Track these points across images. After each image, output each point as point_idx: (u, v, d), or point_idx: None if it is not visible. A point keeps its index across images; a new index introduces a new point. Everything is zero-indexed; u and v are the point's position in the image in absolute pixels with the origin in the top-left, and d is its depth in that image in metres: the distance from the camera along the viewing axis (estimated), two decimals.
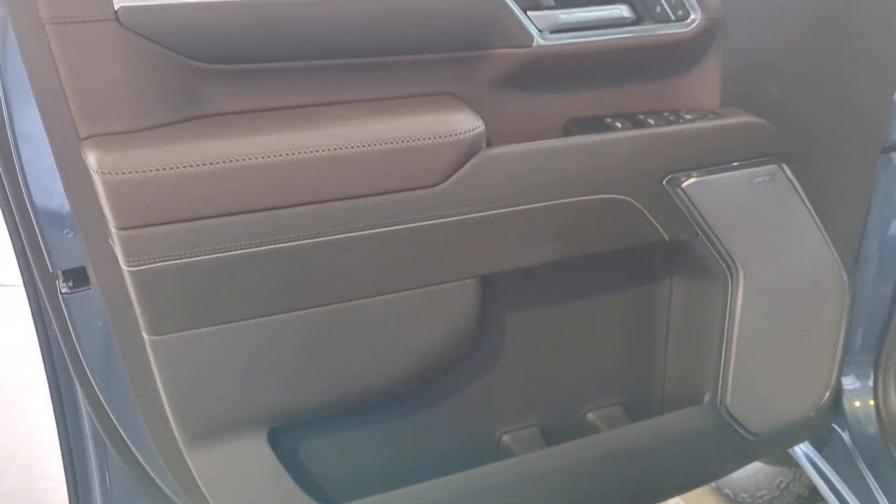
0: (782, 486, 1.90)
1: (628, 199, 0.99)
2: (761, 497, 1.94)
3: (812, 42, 1.15)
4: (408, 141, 0.87)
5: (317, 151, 0.83)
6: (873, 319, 1.38)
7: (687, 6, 0.99)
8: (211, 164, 0.80)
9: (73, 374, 0.95)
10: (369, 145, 0.85)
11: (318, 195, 0.85)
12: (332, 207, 0.86)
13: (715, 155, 1.02)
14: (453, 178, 0.90)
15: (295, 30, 0.85)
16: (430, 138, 0.88)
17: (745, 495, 1.98)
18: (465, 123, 0.90)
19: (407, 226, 0.90)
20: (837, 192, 1.24)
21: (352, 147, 0.85)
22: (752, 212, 1.06)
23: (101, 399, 0.96)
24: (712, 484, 2.12)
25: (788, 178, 1.07)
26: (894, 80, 1.19)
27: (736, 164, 1.03)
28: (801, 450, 1.53)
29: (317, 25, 0.85)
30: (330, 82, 0.91)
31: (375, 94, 0.94)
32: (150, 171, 0.78)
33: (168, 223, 0.80)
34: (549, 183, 0.95)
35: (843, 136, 1.21)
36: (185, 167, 0.79)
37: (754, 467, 1.96)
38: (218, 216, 0.82)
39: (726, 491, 2.05)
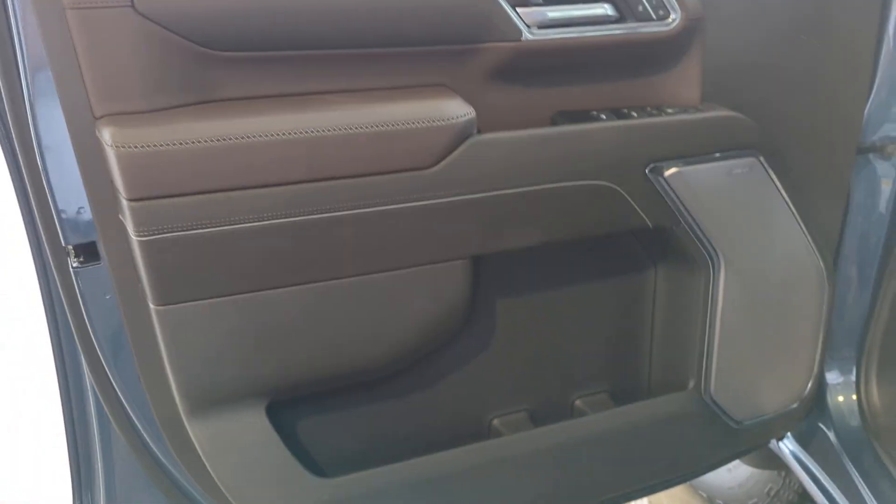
0: (772, 492, 1.92)
1: (612, 185, 1.04)
2: None
3: (789, 46, 1.21)
4: (403, 124, 0.92)
5: (317, 132, 0.89)
6: (855, 315, 1.43)
7: (667, 6, 1.05)
8: (218, 140, 0.85)
9: (79, 348, 0.99)
10: (367, 127, 0.91)
11: (318, 173, 0.90)
12: (331, 186, 0.91)
13: (695, 146, 1.07)
14: (445, 161, 0.95)
15: (299, 20, 0.90)
16: (423, 122, 0.93)
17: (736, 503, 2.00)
18: (457, 109, 0.96)
19: (401, 205, 0.95)
20: (815, 189, 1.29)
21: (350, 129, 0.90)
22: (732, 202, 1.12)
23: (106, 372, 1.00)
24: (703, 494, 2.14)
25: (767, 171, 1.12)
26: (866, 84, 1.26)
27: (716, 155, 1.09)
28: (788, 448, 1.56)
29: (319, 16, 0.91)
30: (331, 72, 0.97)
31: (373, 84, 0.99)
32: (162, 145, 0.83)
33: (177, 196, 0.85)
34: (536, 169, 1.01)
35: (820, 135, 1.27)
36: (194, 143, 0.84)
37: (744, 475, 1.98)
38: (223, 190, 0.87)
39: (718, 502, 2.07)
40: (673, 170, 1.06)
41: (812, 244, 1.19)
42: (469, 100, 1.01)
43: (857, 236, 1.40)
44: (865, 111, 1.29)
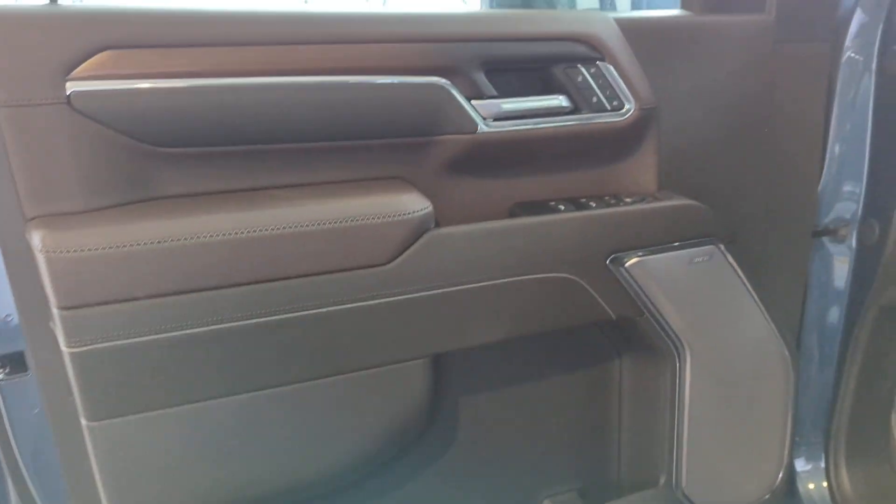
0: None
1: (574, 277, 1.02)
2: None
3: (741, 132, 1.22)
4: (357, 220, 0.89)
5: (265, 230, 0.84)
6: (820, 400, 1.41)
7: (621, 97, 1.05)
8: (158, 242, 0.80)
9: (4, 467, 0.90)
10: (319, 224, 0.87)
11: (266, 274, 0.85)
12: (280, 287, 0.86)
13: (655, 235, 1.06)
14: (402, 257, 0.92)
15: (245, 115, 0.87)
16: (379, 218, 0.90)
17: None
18: (414, 204, 0.93)
19: (356, 305, 0.90)
20: (774, 273, 1.29)
21: (301, 226, 0.86)
22: (695, 291, 1.10)
23: (32, 493, 0.91)
24: None
25: (727, 259, 1.11)
26: (818, 168, 1.27)
27: (676, 244, 1.07)
28: None
29: (267, 111, 0.88)
30: (281, 166, 0.94)
31: (326, 177, 0.96)
32: (95, 249, 0.77)
33: (112, 303, 0.79)
34: (496, 262, 0.97)
35: (776, 221, 1.27)
36: (130, 246, 0.79)
37: None
38: (164, 296, 0.81)
39: None
40: (634, 260, 1.04)
41: (775, 331, 1.18)
42: (426, 192, 0.98)
43: (818, 320, 1.40)
44: (818, 194, 1.31)
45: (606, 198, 1.09)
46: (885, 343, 1.37)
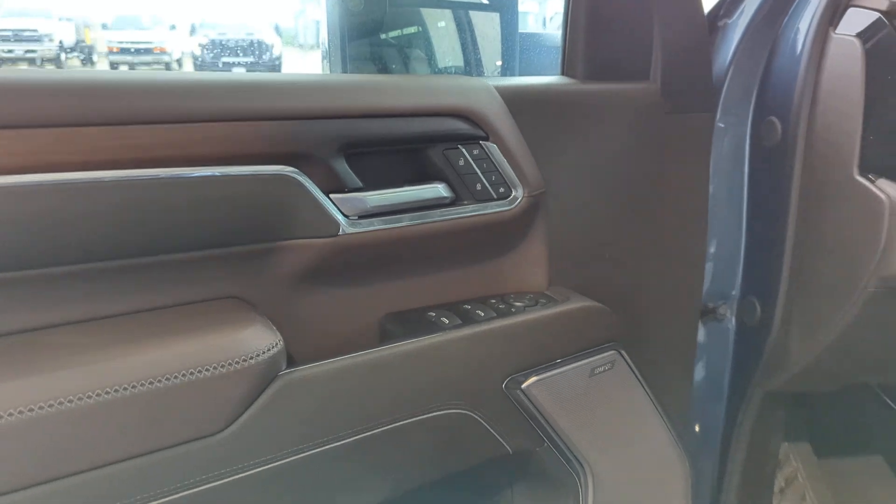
0: None
1: (466, 412, 0.81)
2: None
3: (629, 211, 1.07)
4: (175, 377, 0.62)
5: (38, 408, 0.56)
6: (705, 488, 1.32)
7: (508, 183, 0.87)
8: None
9: None
10: (119, 389, 0.59)
11: (43, 474, 0.57)
12: (74, 484, 0.58)
13: (555, 347, 0.88)
14: (243, 417, 0.66)
15: None
16: (209, 369, 0.64)
17: None
18: (257, 341, 0.68)
19: (184, 493, 0.63)
20: (664, 361, 1.16)
21: (91, 395, 0.58)
22: (597, 407, 0.93)
23: None
24: None
25: (628, 364, 0.96)
26: (703, 251, 1.17)
27: (576, 355, 0.90)
28: None
29: (30, 222, 0.60)
30: (61, 296, 0.65)
31: (129, 306, 0.69)
32: None
33: None
34: (370, 406, 0.74)
35: (664, 303, 1.15)
36: None
37: None
38: None
39: None
40: (532, 380, 0.86)
41: (672, 435, 1.04)
42: (272, 314, 0.74)
43: (702, 406, 1.31)
44: (703, 274, 1.21)
45: (493, 301, 0.90)
46: (769, 429, 1.30)
